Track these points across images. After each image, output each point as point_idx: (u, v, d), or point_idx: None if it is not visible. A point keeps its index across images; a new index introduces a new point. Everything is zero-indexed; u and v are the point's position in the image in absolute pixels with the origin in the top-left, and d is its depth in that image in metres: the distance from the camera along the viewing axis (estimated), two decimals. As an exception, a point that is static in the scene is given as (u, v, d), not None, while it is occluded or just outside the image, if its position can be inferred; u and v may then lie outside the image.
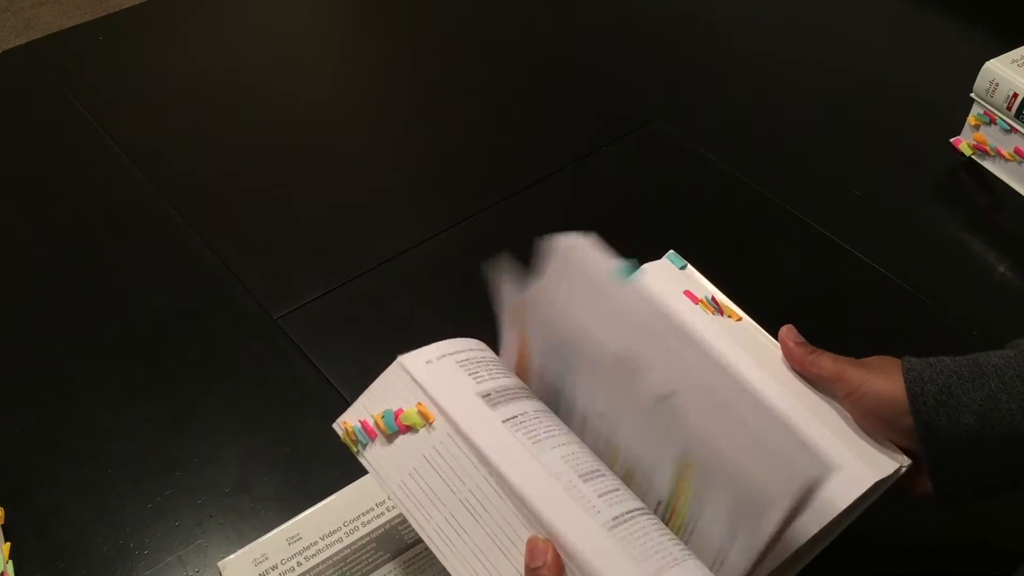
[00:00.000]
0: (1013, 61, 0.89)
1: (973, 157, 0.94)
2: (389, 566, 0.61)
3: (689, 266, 0.66)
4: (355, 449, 0.53)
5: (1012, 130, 0.89)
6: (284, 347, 0.78)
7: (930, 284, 0.82)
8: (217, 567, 0.61)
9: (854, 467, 0.54)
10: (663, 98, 1.04)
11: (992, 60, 0.89)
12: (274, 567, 0.60)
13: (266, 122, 1.01)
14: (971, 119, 0.92)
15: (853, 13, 1.17)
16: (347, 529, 0.62)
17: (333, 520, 0.62)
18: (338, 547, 0.61)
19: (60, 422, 0.73)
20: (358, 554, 0.61)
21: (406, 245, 0.86)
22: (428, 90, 1.06)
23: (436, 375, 0.52)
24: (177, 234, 0.88)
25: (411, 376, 0.51)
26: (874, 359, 0.58)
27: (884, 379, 0.56)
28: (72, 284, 0.84)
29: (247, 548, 0.61)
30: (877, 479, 0.53)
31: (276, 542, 0.61)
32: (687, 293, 0.63)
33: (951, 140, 0.95)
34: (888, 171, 0.95)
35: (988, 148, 0.92)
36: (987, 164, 0.93)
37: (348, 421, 0.54)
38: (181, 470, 0.69)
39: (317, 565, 0.60)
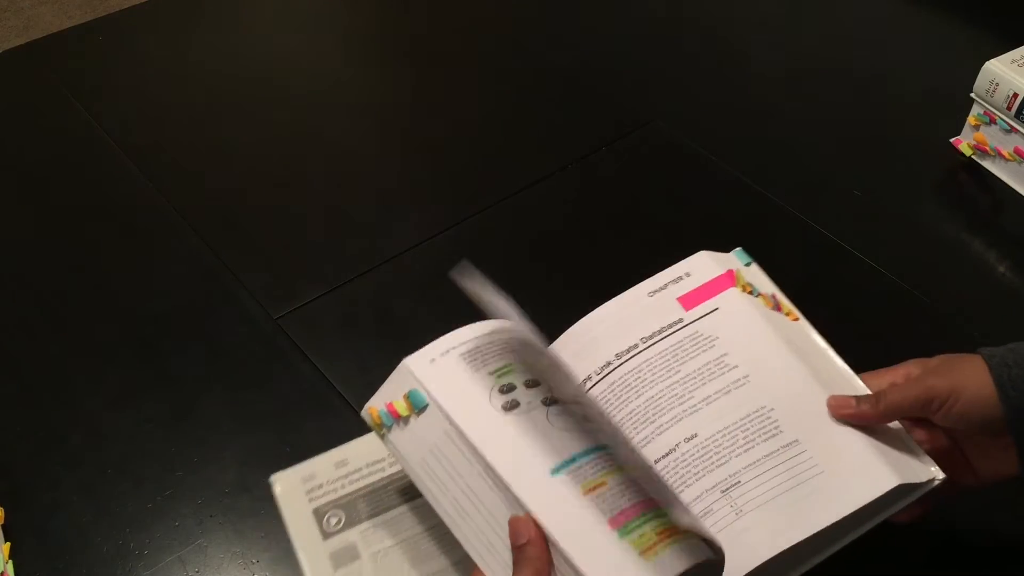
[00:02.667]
0: (1013, 61, 0.89)
1: (973, 157, 0.94)
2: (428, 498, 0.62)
3: (755, 264, 0.65)
4: (381, 432, 0.56)
5: (1012, 130, 0.89)
6: (284, 347, 0.78)
7: (930, 284, 0.82)
8: (269, 481, 0.62)
9: (878, 469, 0.53)
10: (663, 98, 1.04)
11: (992, 60, 0.89)
12: (320, 486, 0.62)
13: (266, 122, 1.01)
14: (971, 119, 0.92)
15: (853, 13, 1.17)
16: (391, 460, 0.63)
17: (379, 450, 0.64)
18: (380, 475, 0.63)
19: (60, 422, 0.73)
20: (399, 483, 0.63)
21: (406, 245, 0.87)
22: (428, 90, 1.06)
23: (440, 374, 0.54)
24: (177, 234, 0.88)
25: (415, 377, 0.54)
26: (935, 364, 0.56)
27: (966, 378, 0.54)
28: (72, 284, 0.84)
29: (298, 466, 0.63)
30: (899, 483, 0.53)
31: (324, 464, 0.64)
32: (729, 273, 0.63)
33: (951, 140, 0.95)
34: (888, 171, 0.95)
35: (988, 148, 0.92)
36: (987, 164, 0.93)
37: (374, 407, 0.56)
38: (181, 470, 0.69)
39: (360, 489, 0.62)
